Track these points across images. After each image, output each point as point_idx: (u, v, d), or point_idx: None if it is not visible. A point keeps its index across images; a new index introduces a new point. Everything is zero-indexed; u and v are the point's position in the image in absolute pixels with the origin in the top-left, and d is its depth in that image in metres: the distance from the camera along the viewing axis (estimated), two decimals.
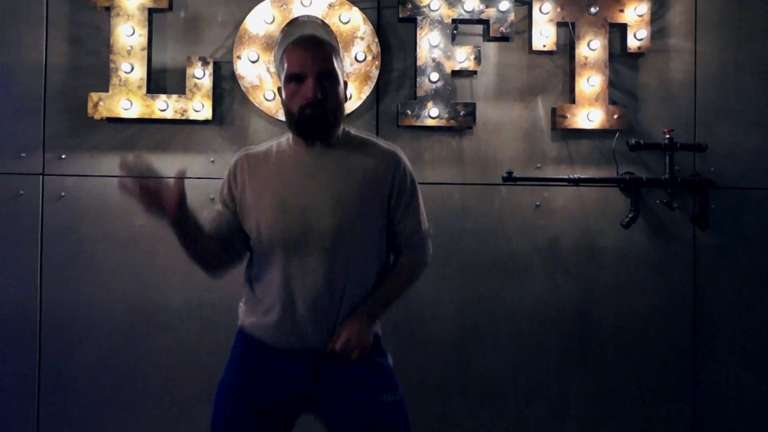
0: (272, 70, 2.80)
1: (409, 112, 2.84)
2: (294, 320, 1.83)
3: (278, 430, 1.91)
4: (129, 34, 2.78)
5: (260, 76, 2.80)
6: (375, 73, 2.83)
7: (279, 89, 1.92)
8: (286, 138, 1.93)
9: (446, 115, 2.84)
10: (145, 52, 2.79)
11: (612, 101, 2.91)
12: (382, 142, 1.92)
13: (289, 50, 1.86)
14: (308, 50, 1.84)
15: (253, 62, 2.80)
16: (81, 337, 2.83)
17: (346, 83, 1.92)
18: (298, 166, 1.86)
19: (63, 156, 2.84)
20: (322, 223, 1.79)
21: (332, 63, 1.83)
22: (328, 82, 1.81)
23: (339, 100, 1.85)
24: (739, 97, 2.98)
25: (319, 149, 1.85)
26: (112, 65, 2.78)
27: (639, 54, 2.94)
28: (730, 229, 2.96)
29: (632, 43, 2.91)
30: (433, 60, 2.84)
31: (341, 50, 2.76)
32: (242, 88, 2.81)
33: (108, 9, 2.80)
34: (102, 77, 2.81)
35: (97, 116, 2.78)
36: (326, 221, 1.79)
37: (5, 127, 2.83)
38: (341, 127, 1.89)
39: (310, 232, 1.80)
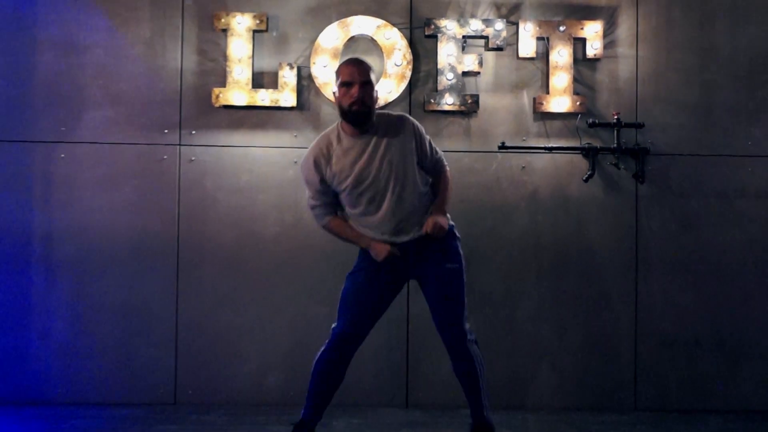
0: None
1: (432, 101, 4.07)
2: (390, 233, 3.00)
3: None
4: (239, 48, 4.04)
5: (329, 76, 4.04)
6: (408, 73, 4.07)
7: (334, 93, 2.99)
8: (336, 130, 2.96)
9: (458, 103, 4.06)
10: (250, 60, 4.05)
11: (575, 92, 4.10)
12: (393, 114, 3.07)
13: (342, 66, 2.98)
14: (355, 66, 2.94)
15: (324, 67, 4.04)
16: (205, 255, 4.10)
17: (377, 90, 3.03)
18: (358, 149, 2.93)
19: (193, 132, 4.12)
20: (387, 181, 2.94)
21: (370, 76, 2.94)
22: (366, 88, 2.90)
23: (373, 100, 2.94)
24: (667, 90, 4.16)
25: (365, 135, 2.92)
26: (228, 69, 4.04)
27: (595, 59, 4.13)
28: (660, 183, 4.14)
29: (590, 52, 4.10)
30: (449, 64, 4.06)
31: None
32: (316, 85, 4.06)
33: (225, 30, 4.06)
34: (221, 77, 4.08)
35: (217, 104, 4.05)
36: (389, 180, 2.94)
37: (154, 112, 4.10)
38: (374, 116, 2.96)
39: (380, 188, 2.94)
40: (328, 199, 3.04)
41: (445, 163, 3.17)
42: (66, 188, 4.08)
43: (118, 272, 4.08)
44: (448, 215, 3.10)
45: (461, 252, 3.07)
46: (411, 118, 3.09)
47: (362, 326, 3.07)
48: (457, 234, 3.12)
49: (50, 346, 4.07)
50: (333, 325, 3.09)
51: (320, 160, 2.97)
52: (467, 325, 3.04)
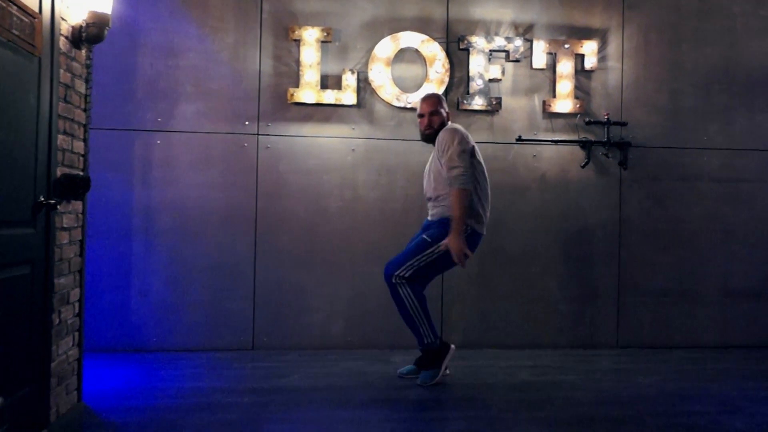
0: (389, 77, 4.98)
1: (465, 102, 5.06)
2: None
3: None
4: (309, 55, 4.92)
5: (383, 80, 4.97)
6: (446, 79, 5.04)
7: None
8: None
9: (485, 104, 5.07)
10: (319, 66, 4.93)
11: (576, 97, 5.18)
12: (446, 127, 4.13)
13: (419, 102, 4.19)
14: (423, 101, 4.19)
15: (379, 72, 4.97)
16: (279, 225, 4.97)
17: (447, 114, 4.24)
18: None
19: (269, 124, 4.97)
20: (427, 175, 4.14)
21: (434, 107, 4.15)
22: (432, 116, 4.14)
23: (438, 123, 4.16)
24: (645, 95, 5.28)
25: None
26: (300, 73, 4.91)
27: (591, 71, 5.21)
28: (639, 168, 5.26)
29: (587, 65, 5.17)
30: (478, 72, 5.06)
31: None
32: (372, 87, 4.98)
33: (297, 41, 4.93)
34: (292, 79, 4.95)
35: (290, 102, 4.92)
36: (427, 173, 4.15)
37: (237, 107, 4.93)
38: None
39: (427, 183, 4.14)
40: None
41: (457, 183, 3.92)
42: (163, 170, 4.86)
43: (206, 239, 4.90)
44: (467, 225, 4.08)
45: (439, 236, 4.03)
46: (446, 131, 4.08)
47: None
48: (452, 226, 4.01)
49: (148, 302, 4.86)
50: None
51: None
52: (399, 271, 4.04)
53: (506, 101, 5.13)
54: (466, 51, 5.07)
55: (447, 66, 5.03)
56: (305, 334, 4.99)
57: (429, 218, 4.21)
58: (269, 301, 4.96)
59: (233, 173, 4.93)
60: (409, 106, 5.01)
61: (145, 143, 4.84)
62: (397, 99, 4.98)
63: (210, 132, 4.90)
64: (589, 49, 5.16)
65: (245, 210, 4.94)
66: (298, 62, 4.93)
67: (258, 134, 4.95)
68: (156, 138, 4.85)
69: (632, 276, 5.26)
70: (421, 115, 4.21)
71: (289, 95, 4.91)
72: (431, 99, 4.22)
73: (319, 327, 5.01)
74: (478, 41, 5.05)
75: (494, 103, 5.07)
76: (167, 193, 4.86)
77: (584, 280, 5.23)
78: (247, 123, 4.94)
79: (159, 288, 4.86)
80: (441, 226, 4.07)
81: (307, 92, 4.91)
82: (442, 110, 4.20)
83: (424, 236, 4.09)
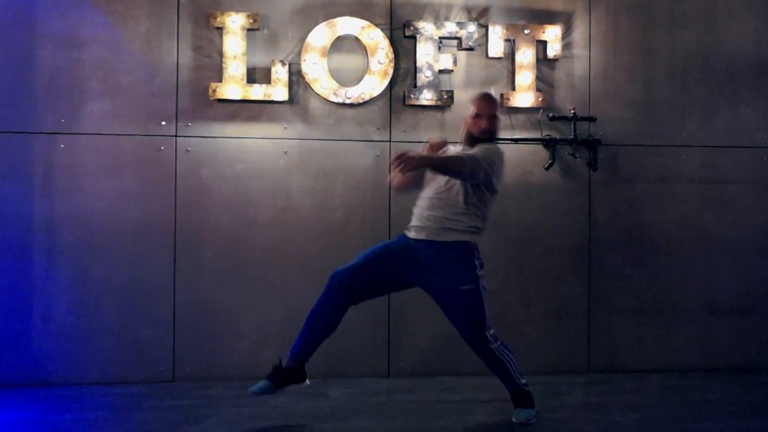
0: (325, 68, 4.39)
1: (412, 96, 4.47)
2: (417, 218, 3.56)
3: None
4: (234, 45, 4.32)
5: (318, 73, 4.38)
6: (390, 70, 4.45)
7: (465, 119, 3.62)
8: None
9: (435, 98, 4.48)
10: (245, 57, 4.33)
11: (538, 89, 4.59)
12: (499, 147, 3.58)
13: (477, 99, 3.58)
14: (486, 101, 3.56)
15: (314, 64, 4.38)
16: (202, 239, 4.37)
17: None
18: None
19: (189, 124, 4.37)
20: (443, 179, 3.50)
21: (496, 110, 3.58)
22: (494, 119, 3.54)
23: (497, 131, 3.61)
24: (615, 87, 4.71)
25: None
26: (223, 65, 4.31)
27: (555, 59, 4.63)
28: (610, 169, 4.69)
29: (550, 53, 4.60)
30: (427, 63, 4.47)
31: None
32: (306, 80, 4.39)
33: (219, 28, 4.32)
34: (215, 72, 4.34)
35: (213, 98, 4.32)
36: (443, 179, 3.50)
37: (151, 105, 4.33)
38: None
39: (437, 181, 3.52)
40: None
41: (471, 162, 3.37)
42: (67, 178, 4.25)
43: (118, 257, 4.30)
44: (472, 235, 3.54)
45: (477, 272, 3.48)
46: (500, 150, 3.56)
47: (355, 278, 3.50)
48: (476, 252, 3.50)
49: (51, 329, 4.25)
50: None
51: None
52: (488, 332, 3.47)
53: (459, 95, 4.55)
54: (413, 38, 4.49)
55: (391, 56, 4.44)
56: (232, 363, 4.40)
57: (425, 236, 3.50)
58: (191, 326, 4.37)
59: (148, 180, 4.34)
60: (348, 101, 4.42)
61: (45, 148, 4.25)
62: (335, 94, 4.39)
63: (121, 134, 4.31)
64: (552, 34, 4.58)
65: (162, 222, 4.35)
66: (221, 53, 4.34)
67: (176, 136, 4.36)
68: (59, 141, 4.25)
69: (603, 291, 4.70)
70: (478, 115, 3.54)
71: (211, 91, 4.32)
72: (495, 101, 3.68)
73: (247, 354, 4.41)
74: (426, 27, 4.47)
75: (445, 97, 4.49)
76: (72, 205, 4.26)
77: (550, 297, 4.66)
78: (163, 123, 4.35)
79: (64, 313, 4.26)
80: (461, 264, 3.46)
81: (232, 87, 4.31)
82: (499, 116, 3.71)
83: (464, 288, 3.43)
